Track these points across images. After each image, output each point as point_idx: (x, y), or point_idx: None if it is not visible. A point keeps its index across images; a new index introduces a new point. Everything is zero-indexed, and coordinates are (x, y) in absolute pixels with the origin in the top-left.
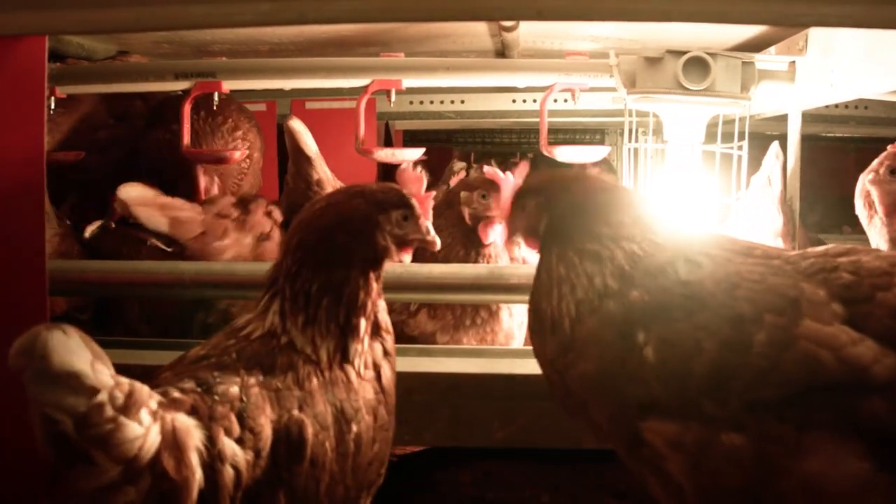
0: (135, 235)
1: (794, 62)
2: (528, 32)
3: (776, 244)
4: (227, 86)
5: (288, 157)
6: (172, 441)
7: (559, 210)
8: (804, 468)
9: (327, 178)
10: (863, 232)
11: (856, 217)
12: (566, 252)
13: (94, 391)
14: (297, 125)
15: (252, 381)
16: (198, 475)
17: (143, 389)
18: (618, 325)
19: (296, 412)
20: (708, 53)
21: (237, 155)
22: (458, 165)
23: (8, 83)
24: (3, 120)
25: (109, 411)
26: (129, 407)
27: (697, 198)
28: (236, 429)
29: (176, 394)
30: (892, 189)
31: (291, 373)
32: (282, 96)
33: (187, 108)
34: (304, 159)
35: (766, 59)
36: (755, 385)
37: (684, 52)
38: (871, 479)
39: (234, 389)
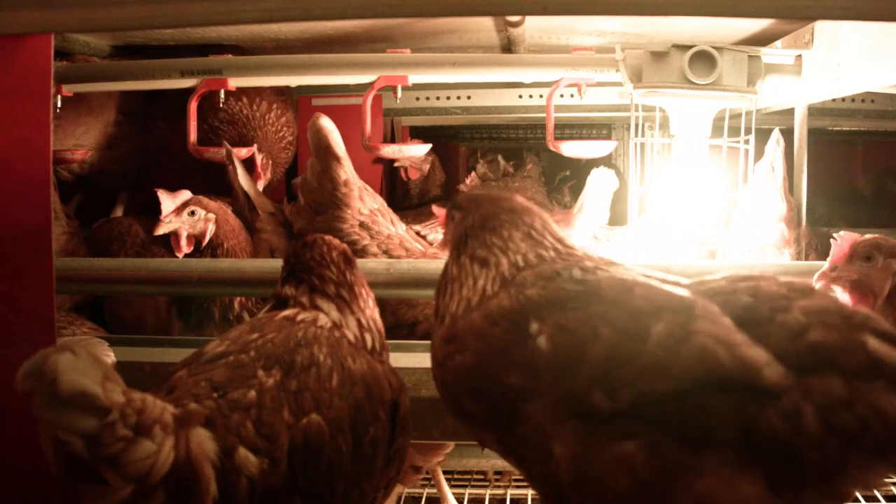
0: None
1: (800, 56)
2: (534, 28)
3: (780, 230)
4: (233, 83)
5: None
6: (186, 456)
7: (470, 223)
8: (696, 487)
9: (354, 180)
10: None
11: (859, 212)
12: (461, 256)
13: (106, 410)
14: (327, 123)
15: (270, 382)
16: (213, 489)
17: (155, 405)
18: (510, 317)
19: (314, 415)
20: (714, 47)
21: (243, 152)
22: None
23: (14, 81)
24: (9, 118)
25: (121, 430)
26: (141, 424)
27: (704, 192)
28: (252, 437)
29: (191, 404)
30: None
31: (314, 369)
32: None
33: (193, 106)
34: (334, 159)
35: (772, 53)
36: (649, 375)
37: (690, 47)
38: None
39: (251, 394)
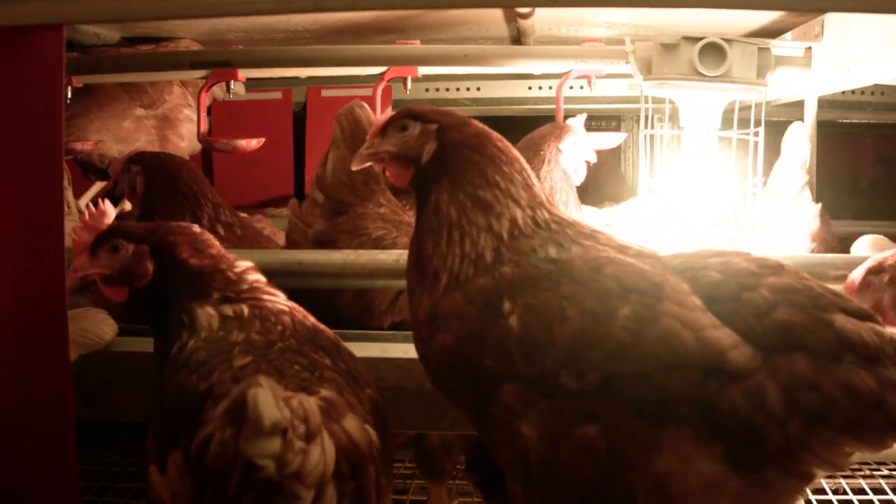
0: None
1: (810, 48)
2: (544, 19)
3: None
4: (243, 74)
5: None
6: (350, 445)
7: (454, 141)
8: (655, 465)
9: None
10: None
11: (867, 204)
12: (457, 193)
13: (284, 429)
14: (368, 113)
15: (330, 363)
16: (372, 470)
17: (312, 408)
18: (485, 296)
19: (368, 390)
20: (724, 39)
21: (253, 143)
22: None
23: (26, 73)
24: (21, 110)
25: (297, 443)
26: (309, 432)
27: (714, 184)
28: (365, 413)
29: (322, 391)
30: None
31: (340, 349)
32: (298, 84)
33: (203, 97)
34: None
35: (782, 45)
36: (615, 358)
37: (700, 39)
38: (721, 482)
39: (335, 375)
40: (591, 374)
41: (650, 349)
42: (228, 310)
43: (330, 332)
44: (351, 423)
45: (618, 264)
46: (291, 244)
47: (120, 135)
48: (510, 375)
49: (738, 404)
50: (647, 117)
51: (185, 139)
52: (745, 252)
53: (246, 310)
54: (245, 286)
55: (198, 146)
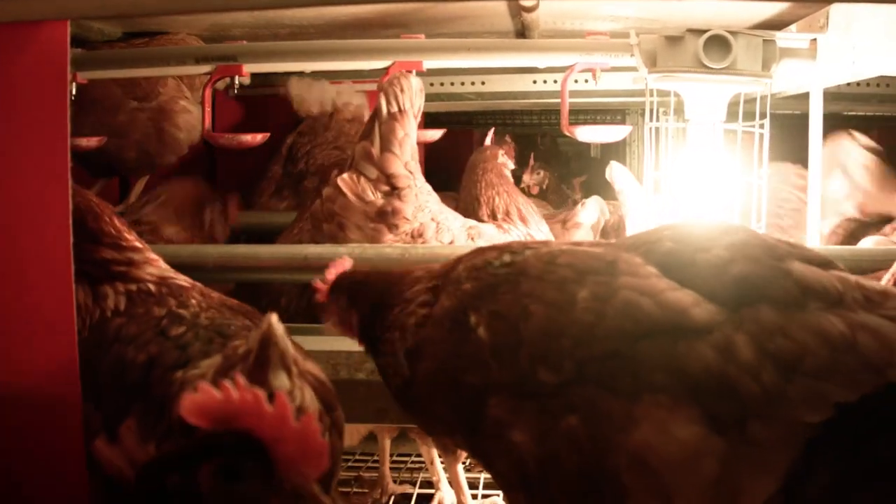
0: None
1: (815, 40)
2: (549, 13)
3: None
4: (248, 69)
5: None
6: (320, 383)
7: (364, 307)
8: (632, 440)
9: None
10: None
11: None
12: (384, 335)
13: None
14: (408, 80)
15: (252, 324)
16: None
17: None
18: (451, 315)
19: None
20: (729, 32)
21: (258, 139)
22: None
23: (31, 69)
24: (26, 107)
25: (297, 380)
26: (300, 371)
27: (719, 177)
28: None
29: None
30: None
31: (250, 311)
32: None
33: (208, 93)
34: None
35: (787, 37)
36: (584, 341)
37: (705, 31)
38: (703, 445)
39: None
40: (565, 363)
41: (614, 324)
42: (133, 286)
43: (234, 301)
44: (313, 366)
45: (570, 253)
46: (340, 223)
47: (115, 129)
48: (493, 385)
49: (709, 359)
50: (652, 110)
51: (183, 130)
52: (700, 223)
53: (153, 287)
54: (148, 271)
55: (197, 137)
